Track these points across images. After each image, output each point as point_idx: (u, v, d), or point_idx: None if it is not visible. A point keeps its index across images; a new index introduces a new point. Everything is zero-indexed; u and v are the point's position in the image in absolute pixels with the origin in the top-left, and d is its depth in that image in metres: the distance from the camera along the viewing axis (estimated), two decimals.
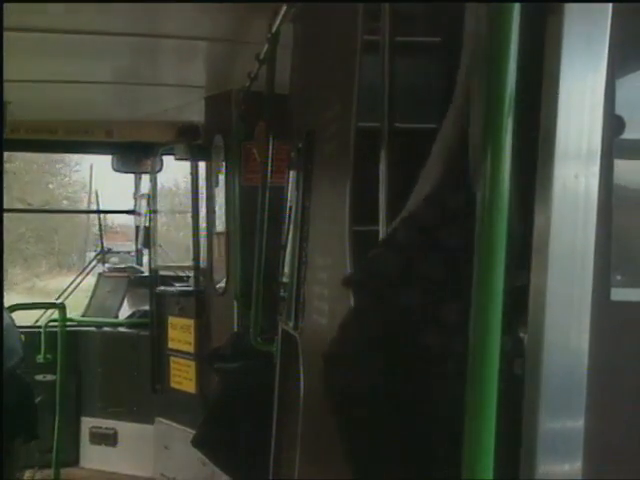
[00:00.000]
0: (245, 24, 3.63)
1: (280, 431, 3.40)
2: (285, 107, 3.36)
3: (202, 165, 6.04)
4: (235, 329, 5.18)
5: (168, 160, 6.75)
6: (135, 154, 6.45)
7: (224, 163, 5.34)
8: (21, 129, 5.78)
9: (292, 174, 3.21)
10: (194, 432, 5.08)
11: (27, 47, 4.37)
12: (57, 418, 5.48)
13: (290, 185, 3.23)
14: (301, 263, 2.87)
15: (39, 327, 5.99)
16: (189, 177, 6.09)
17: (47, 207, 19.66)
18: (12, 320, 4.36)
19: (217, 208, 5.73)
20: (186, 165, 8.90)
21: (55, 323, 5.95)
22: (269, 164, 3.43)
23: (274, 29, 3.16)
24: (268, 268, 3.65)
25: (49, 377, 5.91)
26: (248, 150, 4.91)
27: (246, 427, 3.97)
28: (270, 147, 3.40)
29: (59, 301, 5.82)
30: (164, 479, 6.32)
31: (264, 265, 3.59)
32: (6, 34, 4.16)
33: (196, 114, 5.92)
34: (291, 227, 3.29)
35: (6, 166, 6.69)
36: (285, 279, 3.68)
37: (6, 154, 6.05)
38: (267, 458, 3.49)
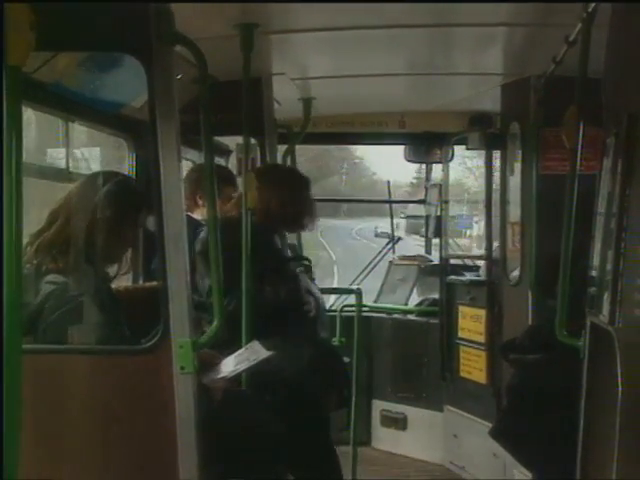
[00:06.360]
0: (551, 6, 3.51)
1: (589, 428, 3.28)
2: (594, 91, 3.21)
3: (495, 154, 5.98)
4: (529, 320, 5.08)
5: (457, 150, 6.79)
6: (426, 144, 6.54)
7: (520, 151, 5.24)
8: (322, 123, 6.12)
9: (606, 161, 3.06)
10: (488, 423, 5.06)
11: (329, 45, 4.58)
12: (352, 399, 5.71)
13: (604, 172, 3.08)
14: (619, 254, 2.74)
15: (334, 311, 6.26)
16: (473, 167, 6.06)
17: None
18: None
19: (511, 197, 5.64)
20: (473, 154, 8.82)
21: (349, 308, 6.17)
22: (578, 151, 3.30)
23: (590, 8, 3.03)
24: (574, 259, 3.52)
25: (344, 359, 6.14)
26: (547, 137, 4.78)
27: (548, 420, 3.88)
28: (580, 133, 3.28)
29: (355, 287, 6.03)
30: (454, 467, 6.37)
31: (571, 256, 3.46)
32: (313, 34, 4.39)
33: (488, 102, 5.87)
34: (602, 216, 3.15)
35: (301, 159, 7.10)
36: (593, 271, 3.53)
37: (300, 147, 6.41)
38: (570, 454, 3.38)
